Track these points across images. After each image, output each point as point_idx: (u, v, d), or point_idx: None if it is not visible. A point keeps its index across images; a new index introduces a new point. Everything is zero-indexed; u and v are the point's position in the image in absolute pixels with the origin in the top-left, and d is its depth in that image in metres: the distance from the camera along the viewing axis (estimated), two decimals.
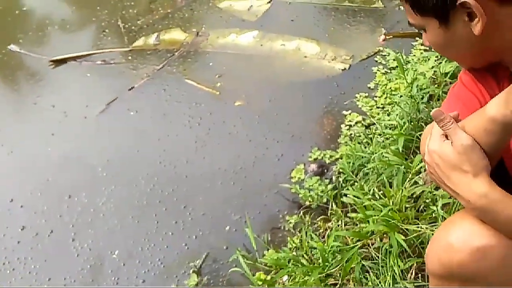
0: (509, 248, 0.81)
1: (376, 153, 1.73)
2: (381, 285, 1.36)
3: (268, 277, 1.53)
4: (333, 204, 1.71)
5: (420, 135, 1.68)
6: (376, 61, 2.37)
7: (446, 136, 0.82)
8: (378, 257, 1.41)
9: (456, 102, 0.96)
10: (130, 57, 2.55)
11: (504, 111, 0.73)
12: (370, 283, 1.38)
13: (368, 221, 1.46)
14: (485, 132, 0.78)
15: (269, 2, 2.83)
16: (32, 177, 1.98)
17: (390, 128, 1.89)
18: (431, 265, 0.89)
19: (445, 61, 2.00)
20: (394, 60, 2.27)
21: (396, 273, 1.35)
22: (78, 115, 2.24)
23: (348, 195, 1.67)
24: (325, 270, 1.43)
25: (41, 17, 2.93)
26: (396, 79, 2.16)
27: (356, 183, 1.72)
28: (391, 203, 1.49)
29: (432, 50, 2.19)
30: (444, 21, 0.84)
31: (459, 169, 0.80)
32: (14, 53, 2.62)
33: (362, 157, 1.78)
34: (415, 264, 1.38)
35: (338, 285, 1.43)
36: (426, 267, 0.91)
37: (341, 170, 1.83)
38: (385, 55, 2.37)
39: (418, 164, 1.57)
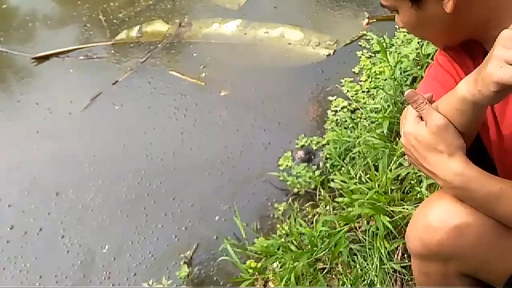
0: (487, 225, 0.82)
1: (361, 137, 1.74)
2: (369, 267, 1.37)
3: (259, 265, 1.54)
4: (321, 189, 1.72)
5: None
6: (360, 45, 2.37)
7: (421, 118, 0.83)
8: (365, 240, 1.42)
9: (433, 82, 0.96)
10: (113, 51, 2.53)
11: (473, 90, 0.74)
12: (358, 266, 1.40)
13: (355, 205, 1.47)
14: (457, 112, 0.78)
15: None
16: (18, 176, 1.97)
17: (375, 112, 1.90)
18: (412, 245, 0.90)
19: (427, 43, 2.00)
20: (378, 43, 2.27)
21: (383, 255, 1.36)
22: (62, 111, 2.22)
23: (335, 180, 1.68)
24: (314, 255, 1.44)
25: (22, 14, 2.89)
26: (380, 62, 2.16)
27: (343, 168, 1.73)
28: (376, 186, 1.50)
29: None
30: (416, 1, 0.84)
31: (435, 150, 0.80)
32: None
33: (348, 142, 1.78)
34: (401, 245, 1.39)
35: (327, 269, 1.44)
36: (407, 247, 0.92)
37: (328, 156, 1.84)
38: (369, 39, 2.37)
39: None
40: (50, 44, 2.58)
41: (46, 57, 2.51)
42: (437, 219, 0.84)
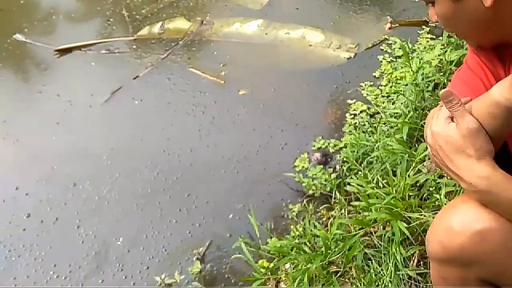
0: (510, 232, 0.80)
1: (380, 141, 1.72)
2: (383, 273, 1.36)
3: (271, 265, 1.54)
4: (337, 192, 1.71)
5: (424, 123, 1.67)
6: (382, 49, 2.35)
7: (452, 119, 0.81)
8: (381, 245, 1.41)
9: (461, 85, 0.94)
10: (134, 46, 2.55)
11: (508, 95, 0.72)
12: (372, 271, 1.38)
13: (371, 209, 1.46)
14: (489, 116, 0.77)
15: None
16: (37, 166, 2.00)
17: (394, 117, 1.88)
18: (431, 249, 0.88)
19: (451, 49, 1.97)
20: (399, 48, 2.25)
21: (398, 261, 1.35)
22: (83, 104, 2.25)
23: (351, 184, 1.66)
24: (327, 258, 1.43)
25: (46, 6, 2.93)
26: (402, 67, 2.14)
27: (359, 172, 1.71)
28: (394, 192, 1.48)
29: (438, 38, 2.18)
30: None
31: (463, 152, 0.79)
32: (19, 43, 2.63)
33: (366, 146, 1.77)
34: (417, 252, 1.38)
35: (340, 273, 1.43)
36: (427, 251, 0.91)
37: (345, 159, 1.83)
38: (390, 44, 2.35)
39: (422, 153, 1.56)
40: (72, 37, 2.61)
41: (69, 50, 2.55)
42: (459, 223, 0.83)
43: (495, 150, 0.82)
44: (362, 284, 1.37)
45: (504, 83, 0.74)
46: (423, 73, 1.89)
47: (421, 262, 1.37)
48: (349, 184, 1.69)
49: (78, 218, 1.80)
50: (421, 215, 1.40)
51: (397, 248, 1.35)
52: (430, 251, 0.89)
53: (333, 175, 1.79)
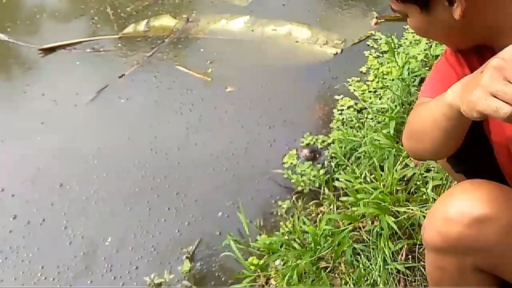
0: (508, 219, 0.80)
1: (367, 137, 1.73)
2: (372, 267, 1.36)
3: (261, 262, 1.54)
4: (325, 188, 1.72)
5: None
6: (368, 45, 2.36)
7: None
8: (369, 240, 1.41)
9: (434, 74, 0.96)
10: (120, 45, 2.53)
11: (459, 103, 0.71)
12: (361, 265, 1.39)
13: (359, 204, 1.47)
14: (444, 118, 0.77)
15: None
16: (23, 166, 1.97)
17: (381, 112, 1.89)
18: (428, 237, 0.88)
19: (436, 44, 1.99)
20: (386, 43, 2.26)
21: (387, 255, 1.35)
22: (68, 103, 2.22)
23: (340, 179, 1.67)
24: (317, 254, 1.43)
25: (29, 5, 2.89)
26: (388, 62, 2.15)
27: (348, 167, 1.72)
28: (382, 186, 1.49)
29: None
30: (425, 7, 0.84)
31: None
32: (2, 42, 2.59)
33: (354, 141, 1.78)
34: (405, 246, 1.38)
35: (329, 268, 1.43)
36: (423, 241, 0.90)
37: (333, 155, 1.83)
38: (377, 39, 2.36)
39: None
40: (57, 36, 2.57)
41: (53, 49, 2.51)
42: (457, 211, 0.82)
43: (457, 147, 0.83)
44: (351, 279, 1.38)
45: (457, 87, 0.74)
46: (409, 68, 1.91)
47: (409, 256, 1.38)
48: (337, 179, 1.69)
49: (66, 219, 1.78)
50: (409, 209, 1.41)
51: (386, 243, 1.36)
52: (426, 239, 0.89)
53: (322, 171, 1.80)
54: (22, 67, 2.48)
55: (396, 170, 1.54)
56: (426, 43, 2.05)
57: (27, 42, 2.57)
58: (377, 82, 2.13)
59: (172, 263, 1.63)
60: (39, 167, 1.96)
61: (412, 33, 2.31)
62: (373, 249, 1.40)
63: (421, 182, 1.49)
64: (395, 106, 1.81)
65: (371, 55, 2.29)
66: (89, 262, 1.65)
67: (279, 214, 1.73)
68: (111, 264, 1.64)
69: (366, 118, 1.94)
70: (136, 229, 1.73)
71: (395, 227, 1.36)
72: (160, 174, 1.90)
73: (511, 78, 0.64)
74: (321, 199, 1.71)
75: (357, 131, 1.86)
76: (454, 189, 0.88)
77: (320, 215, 1.64)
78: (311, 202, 1.72)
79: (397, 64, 1.92)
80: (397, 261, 1.37)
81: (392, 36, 2.23)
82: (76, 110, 2.19)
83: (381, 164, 1.61)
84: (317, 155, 1.91)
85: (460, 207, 0.82)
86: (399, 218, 1.39)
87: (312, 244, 1.45)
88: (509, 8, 0.83)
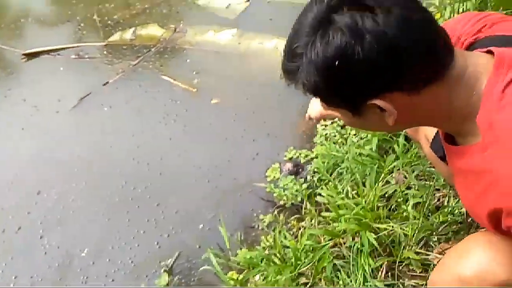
0: None
1: (350, 152, 1.73)
2: (352, 284, 1.36)
3: (241, 276, 1.52)
4: (307, 203, 1.71)
5: (394, 135, 1.69)
6: None
7: None
8: (350, 256, 1.41)
9: None
10: (105, 52, 2.51)
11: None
12: (341, 282, 1.38)
13: (341, 220, 1.46)
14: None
15: (247, 0, 2.82)
16: (0, 172, 1.93)
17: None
18: None
19: None
20: None
21: (366, 272, 1.35)
22: (50, 109, 2.19)
23: (322, 194, 1.66)
24: (297, 269, 1.42)
25: (14, 9, 2.86)
26: None
27: (330, 183, 1.72)
28: (363, 202, 1.49)
29: None
30: (357, 113, 0.82)
31: None
32: None
33: (337, 157, 1.78)
34: (385, 263, 1.38)
35: (309, 284, 1.42)
36: None
37: (316, 170, 1.83)
38: None
39: (391, 164, 1.58)
40: (41, 42, 2.55)
41: (36, 54, 2.48)
42: (475, 274, 0.80)
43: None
44: None
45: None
46: None
47: (389, 274, 1.38)
48: (319, 194, 1.69)
49: (42, 228, 1.74)
50: (389, 225, 1.41)
51: (366, 259, 1.36)
52: None
53: (304, 186, 1.79)
54: (5, 71, 2.44)
55: (377, 186, 1.54)
56: None
57: (10, 46, 2.53)
58: None
59: (150, 276, 1.60)
60: (17, 173, 1.92)
61: None
62: (353, 265, 1.39)
63: (402, 199, 1.50)
64: None
65: None
66: (64, 273, 1.61)
67: (260, 228, 1.71)
68: (87, 276, 1.60)
69: (349, 134, 1.95)
70: (114, 240, 1.70)
71: (375, 243, 1.36)
72: (141, 185, 1.87)
73: None
74: (303, 214, 1.70)
75: (340, 147, 1.86)
76: (469, 245, 0.85)
77: (302, 229, 1.64)
78: (293, 217, 1.71)
79: None
80: (377, 278, 1.36)
81: None
82: (57, 117, 2.16)
83: (363, 180, 1.61)
84: (300, 170, 1.91)
85: (478, 270, 0.81)
86: (379, 235, 1.39)
87: (293, 259, 1.44)
88: (442, 99, 0.80)
